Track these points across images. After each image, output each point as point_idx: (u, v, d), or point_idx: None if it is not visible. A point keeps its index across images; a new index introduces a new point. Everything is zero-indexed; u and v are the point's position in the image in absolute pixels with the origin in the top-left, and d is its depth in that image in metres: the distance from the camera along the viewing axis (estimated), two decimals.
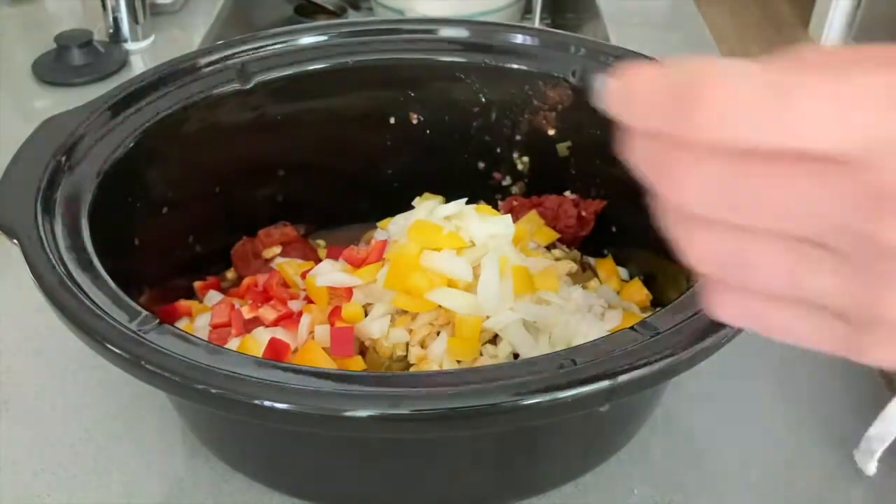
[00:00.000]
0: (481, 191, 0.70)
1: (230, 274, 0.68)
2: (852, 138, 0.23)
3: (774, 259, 0.25)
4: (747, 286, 0.26)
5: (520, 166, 0.70)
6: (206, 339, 0.56)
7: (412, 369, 0.55)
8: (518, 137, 0.69)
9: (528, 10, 1.19)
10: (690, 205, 0.25)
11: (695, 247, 0.26)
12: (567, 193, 0.68)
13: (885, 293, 0.24)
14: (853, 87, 0.23)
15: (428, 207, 0.62)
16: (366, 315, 0.57)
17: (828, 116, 0.23)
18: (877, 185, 0.23)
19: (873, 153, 0.23)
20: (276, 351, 0.54)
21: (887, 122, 0.22)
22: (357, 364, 0.56)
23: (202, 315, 0.60)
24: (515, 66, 0.66)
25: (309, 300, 0.60)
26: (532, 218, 0.67)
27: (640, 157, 0.25)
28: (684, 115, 0.24)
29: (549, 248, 0.66)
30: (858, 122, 0.23)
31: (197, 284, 0.65)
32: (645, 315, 0.50)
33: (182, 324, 0.60)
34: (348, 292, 0.59)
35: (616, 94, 0.25)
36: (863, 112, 0.23)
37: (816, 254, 0.24)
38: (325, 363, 0.54)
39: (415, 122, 0.69)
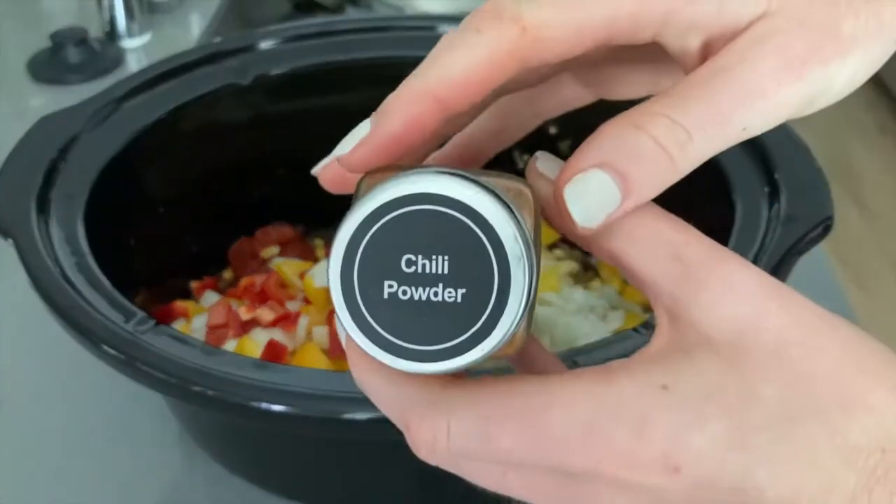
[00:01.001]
0: None
1: (227, 274, 0.67)
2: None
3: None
4: None
5: (521, 164, 0.69)
6: (203, 340, 0.56)
7: None
8: None
9: None
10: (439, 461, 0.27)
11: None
12: None
13: None
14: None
15: None
16: None
17: (526, 456, 0.26)
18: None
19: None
20: (274, 352, 0.54)
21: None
22: None
23: (199, 316, 0.59)
24: None
25: (307, 301, 0.60)
26: None
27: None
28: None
29: (550, 247, 0.66)
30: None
31: (194, 285, 0.65)
32: (647, 316, 0.49)
33: (179, 324, 0.59)
34: None
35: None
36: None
37: None
38: (324, 365, 0.54)
39: None
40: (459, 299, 0.24)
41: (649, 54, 0.30)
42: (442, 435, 0.26)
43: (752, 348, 0.25)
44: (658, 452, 0.24)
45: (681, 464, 0.24)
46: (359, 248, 0.25)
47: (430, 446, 0.26)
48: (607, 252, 0.27)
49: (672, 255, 0.26)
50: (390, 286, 0.24)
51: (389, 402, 0.27)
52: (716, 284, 0.25)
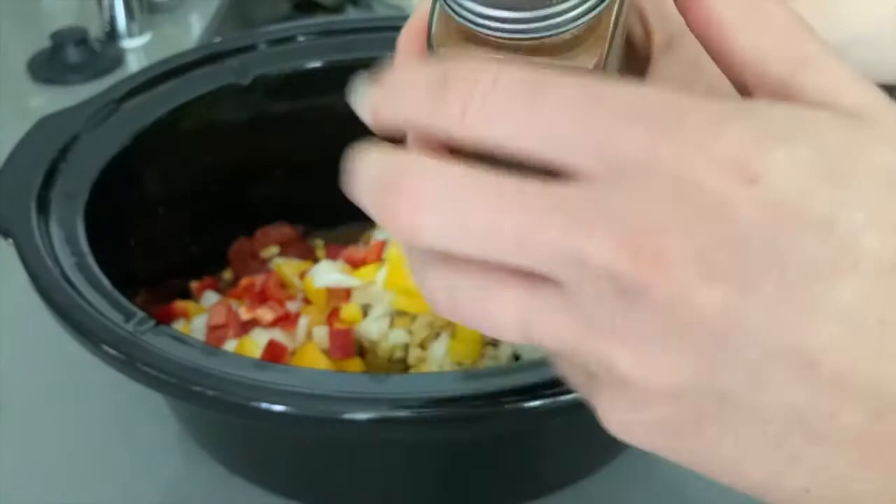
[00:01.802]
0: None
1: (227, 274, 0.67)
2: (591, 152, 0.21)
3: (504, 304, 0.22)
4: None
5: None
6: (203, 340, 0.56)
7: (411, 371, 0.55)
8: None
9: None
10: (422, 226, 0.22)
11: (429, 286, 0.23)
12: None
13: (617, 352, 0.22)
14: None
15: None
16: (365, 316, 0.57)
17: (571, 123, 0.21)
18: (615, 207, 0.21)
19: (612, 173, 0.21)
20: (274, 353, 0.54)
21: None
22: (356, 366, 0.55)
23: (199, 316, 0.59)
24: None
25: (307, 301, 0.60)
26: None
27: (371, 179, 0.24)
28: (443, 102, 0.22)
29: None
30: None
31: (193, 285, 0.64)
32: None
33: (179, 324, 0.59)
34: (347, 293, 0.58)
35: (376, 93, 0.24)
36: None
37: (549, 298, 0.22)
38: (324, 365, 0.54)
39: None
40: None
41: None
42: (487, 82, 0.22)
43: (876, 120, 0.22)
44: (734, 152, 0.20)
45: (760, 174, 0.20)
46: None
47: (464, 102, 0.22)
48: (710, 17, 0.24)
49: (792, 37, 0.23)
50: None
51: (429, 64, 0.24)
52: (836, 70, 0.23)
